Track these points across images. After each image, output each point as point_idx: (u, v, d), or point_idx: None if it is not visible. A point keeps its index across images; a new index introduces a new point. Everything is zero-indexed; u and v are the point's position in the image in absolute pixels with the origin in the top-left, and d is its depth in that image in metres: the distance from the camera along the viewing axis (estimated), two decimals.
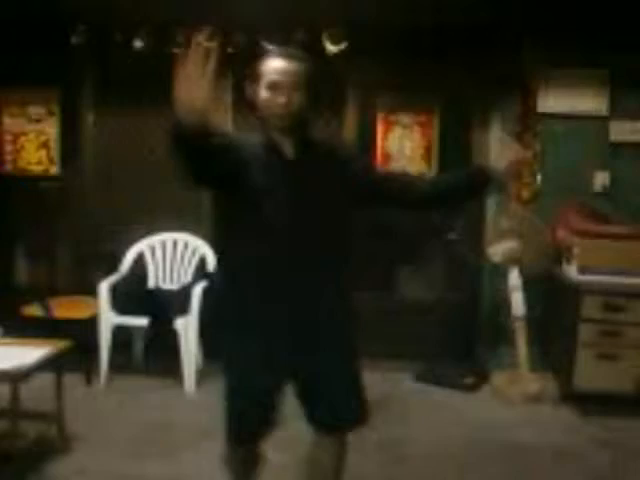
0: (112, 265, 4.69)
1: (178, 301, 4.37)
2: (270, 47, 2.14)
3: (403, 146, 4.90)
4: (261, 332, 2.25)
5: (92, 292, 4.41)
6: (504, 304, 4.56)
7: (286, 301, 2.23)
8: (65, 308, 4.47)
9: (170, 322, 4.28)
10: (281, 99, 2.14)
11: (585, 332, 4.09)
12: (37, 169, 5.08)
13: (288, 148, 2.22)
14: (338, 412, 2.37)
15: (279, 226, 2.17)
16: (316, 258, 2.23)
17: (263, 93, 2.16)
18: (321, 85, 2.24)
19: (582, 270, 4.18)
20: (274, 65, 2.15)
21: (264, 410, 2.33)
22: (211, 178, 2.10)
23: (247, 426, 2.38)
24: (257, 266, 2.21)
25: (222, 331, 2.37)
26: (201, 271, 4.64)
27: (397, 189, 2.46)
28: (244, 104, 2.34)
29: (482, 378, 4.60)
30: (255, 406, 2.31)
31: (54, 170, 5.08)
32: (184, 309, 4.29)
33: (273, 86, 2.14)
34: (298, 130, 2.22)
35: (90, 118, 5.01)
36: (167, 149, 1.92)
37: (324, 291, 2.29)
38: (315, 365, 2.29)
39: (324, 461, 2.45)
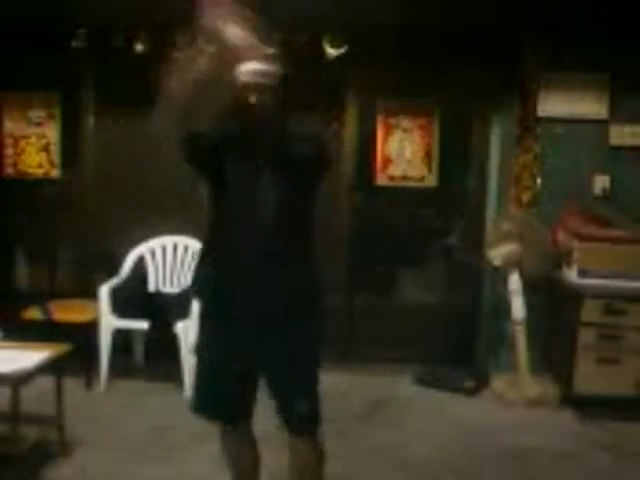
0: (112, 268, 4.69)
1: (178, 305, 4.37)
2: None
3: (403, 149, 4.90)
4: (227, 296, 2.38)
5: (92, 295, 4.41)
6: (504, 307, 4.57)
7: (252, 263, 2.33)
8: (65, 311, 4.47)
9: (170, 325, 4.27)
10: (251, 99, 2.26)
11: (585, 336, 4.09)
12: (38, 172, 5.08)
13: (259, 136, 2.34)
14: (289, 408, 2.43)
15: (243, 205, 2.33)
16: (275, 229, 2.33)
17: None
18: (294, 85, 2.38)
19: (582, 274, 4.18)
20: (246, 67, 2.28)
21: (227, 383, 2.43)
22: (205, 163, 2.39)
23: (210, 397, 2.48)
24: (227, 234, 2.38)
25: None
26: None
27: None
28: None
29: (482, 381, 4.60)
30: (218, 375, 2.44)
31: (55, 173, 5.08)
32: (184, 313, 4.28)
33: (245, 87, 2.27)
34: (269, 123, 2.34)
35: (91, 121, 5.02)
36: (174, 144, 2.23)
37: (282, 266, 2.35)
38: (267, 345, 2.38)
39: (297, 464, 2.53)
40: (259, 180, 2.32)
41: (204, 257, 2.50)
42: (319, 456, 2.52)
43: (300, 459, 2.52)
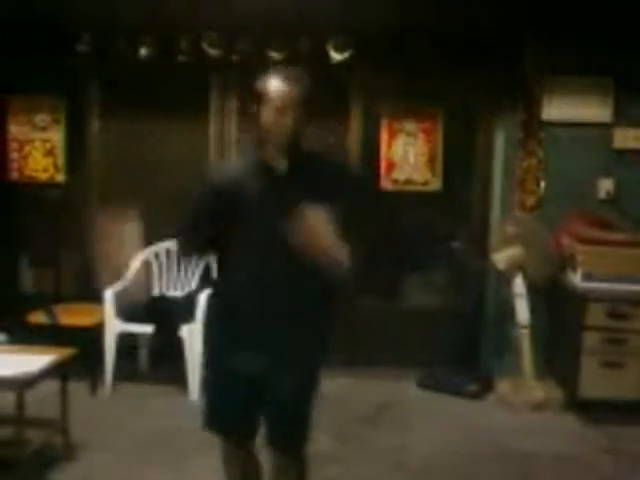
0: (117, 272, 4.70)
1: (183, 308, 4.38)
2: (272, 67, 2.22)
3: (407, 153, 4.90)
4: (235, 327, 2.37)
5: (97, 299, 4.42)
6: (508, 311, 4.56)
7: (263, 312, 2.32)
8: (70, 315, 4.48)
9: (175, 329, 4.28)
10: (287, 121, 2.21)
11: (589, 339, 4.09)
12: (43, 176, 5.09)
13: (280, 163, 2.28)
14: (282, 427, 2.41)
15: (261, 238, 2.27)
16: (294, 269, 2.25)
17: (269, 116, 2.23)
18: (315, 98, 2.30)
19: (586, 277, 4.18)
20: (278, 90, 2.22)
21: (231, 399, 2.40)
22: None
23: (217, 411, 2.46)
24: (242, 274, 2.33)
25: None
26: (206, 279, 4.65)
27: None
28: (248, 115, 2.41)
29: (486, 385, 4.59)
30: (224, 390, 2.41)
31: (60, 177, 5.09)
32: (189, 316, 4.29)
33: (280, 111, 2.21)
34: (293, 146, 2.28)
35: (95, 125, 5.03)
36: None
37: (294, 306, 2.34)
38: (272, 369, 2.33)
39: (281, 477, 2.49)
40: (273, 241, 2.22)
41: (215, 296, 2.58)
42: (305, 469, 2.51)
43: (287, 474, 2.48)
